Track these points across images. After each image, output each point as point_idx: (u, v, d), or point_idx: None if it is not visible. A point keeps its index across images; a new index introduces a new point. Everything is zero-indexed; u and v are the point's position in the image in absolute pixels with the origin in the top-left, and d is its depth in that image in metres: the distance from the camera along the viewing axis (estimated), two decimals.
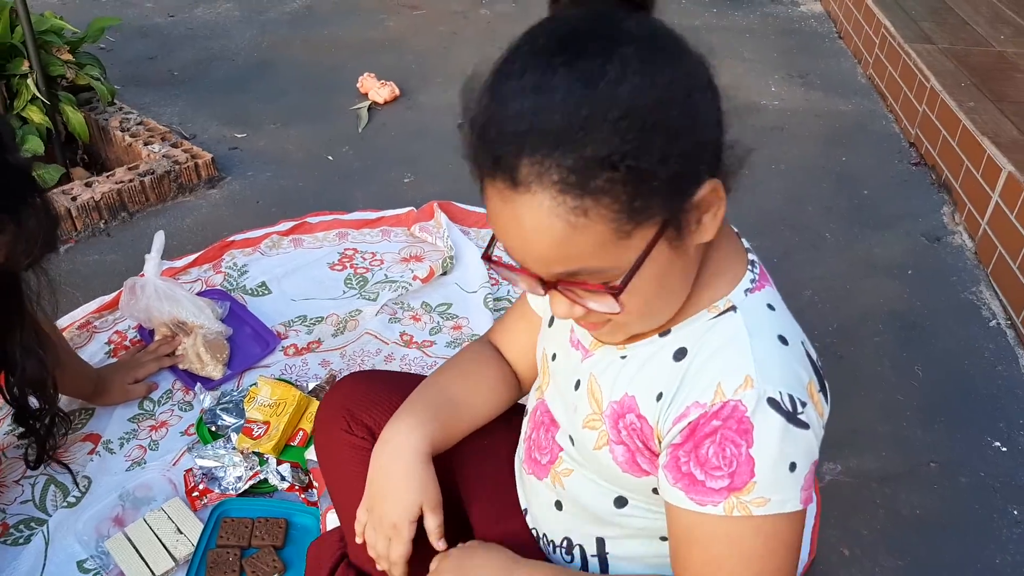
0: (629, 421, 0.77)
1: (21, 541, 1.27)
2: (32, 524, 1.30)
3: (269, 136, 2.51)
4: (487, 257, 0.74)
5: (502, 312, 1.77)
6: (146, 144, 2.25)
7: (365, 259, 1.95)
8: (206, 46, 3.15)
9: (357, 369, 1.61)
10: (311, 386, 1.52)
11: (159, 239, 1.63)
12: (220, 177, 2.26)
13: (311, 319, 1.75)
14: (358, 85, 2.78)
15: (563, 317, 0.71)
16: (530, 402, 0.98)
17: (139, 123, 2.37)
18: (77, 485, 1.36)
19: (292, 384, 1.51)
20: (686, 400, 0.71)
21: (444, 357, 1.64)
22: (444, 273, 1.88)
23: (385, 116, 2.68)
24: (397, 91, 2.76)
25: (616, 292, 0.65)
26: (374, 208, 2.13)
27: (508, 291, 1.85)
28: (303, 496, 1.32)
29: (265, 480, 1.33)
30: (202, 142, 2.36)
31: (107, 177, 2.09)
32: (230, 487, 1.34)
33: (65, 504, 1.32)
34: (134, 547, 1.24)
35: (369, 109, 2.67)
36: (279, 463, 1.34)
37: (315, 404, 1.48)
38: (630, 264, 0.64)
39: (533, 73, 0.61)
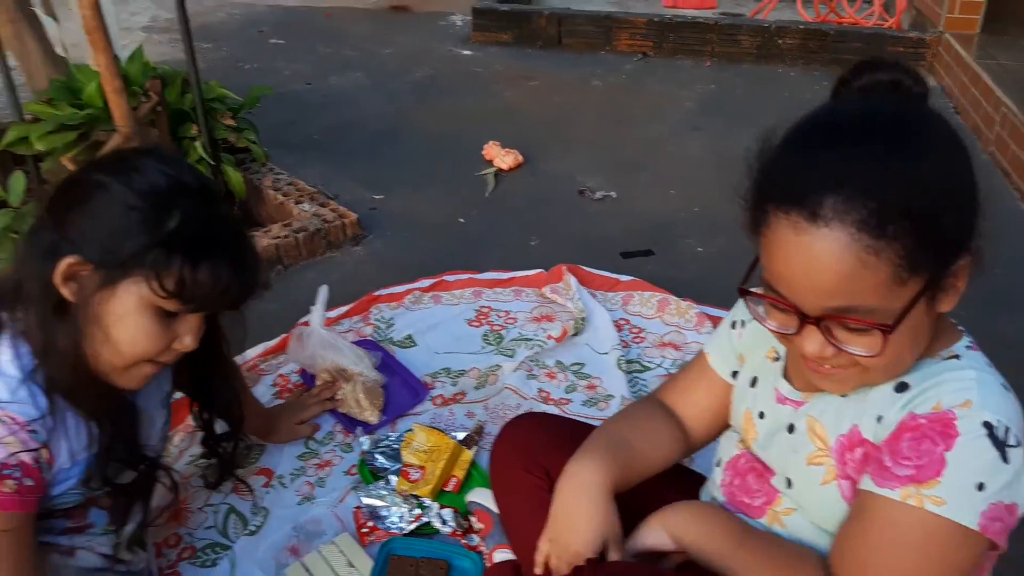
0: (857, 455, 0.84)
1: (208, 564, 1.40)
2: (217, 548, 1.43)
3: (403, 199, 2.70)
4: (743, 289, 0.83)
5: (636, 375, 1.86)
6: (296, 203, 2.46)
7: (500, 317, 2.08)
8: (340, 113, 3.40)
9: (501, 422, 1.71)
10: (460, 436, 1.63)
11: (323, 293, 1.79)
12: (363, 235, 2.44)
13: (454, 372, 1.87)
14: (483, 152, 2.96)
15: (814, 355, 0.78)
16: (725, 453, 1.06)
17: (289, 183, 2.58)
18: (256, 514, 1.49)
19: (444, 432, 1.62)
20: (903, 415, 0.78)
21: (582, 415, 1.73)
22: (575, 334, 1.98)
23: (510, 182, 2.84)
24: (520, 158, 2.93)
25: (888, 330, 0.73)
26: (504, 269, 2.26)
27: (639, 354, 1.94)
28: (463, 540, 1.41)
29: (428, 523, 1.44)
30: (344, 202, 2.56)
31: (264, 233, 2.29)
32: (394, 526, 1.44)
33: (247, 532, 1.46)
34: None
35: (495, 175, 2.84)
36: (442, 508, 1.45)
37: (466, 453, 1.59)
38: (897, 311, 0.73)
39: (842, 134, 0.73)
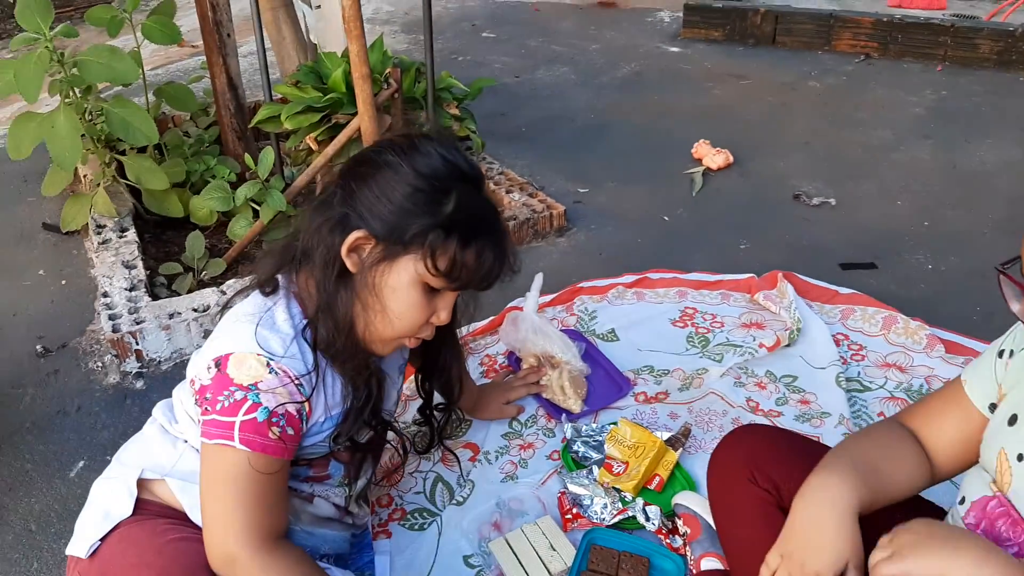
0: None
1: (417, 527, 1.47)
2: (425, 514, 1.50)
3: (608, 193, 2.69)
4: (1001, 270, 0.76)
5: (855, 394, 1.74)
6: (507, 192, 2.52)
7: (705, 319, 2.02)
8: (548, 106, 3.46)
9: (707, 426, 1.66)
10: (666, 436, 1.59)
11: (538, 280, 1.82)
12: (567, 227, 2.46)
13: (658, 370, 1.84)
14: (692, 151, 2.89)
15: None
16: (972, 491, 0.96)
17: (500, 172, 2.66)
18: (463, 486, 1.54)
19: (648, 430, 1.60)
20: None
21: (793, 430, 1.64)
22: (789, 344, 1.88)
23: (718, 182, 2.75)
24: (731, 158, 2.83)
25: None
26: (711, 270, 2.20)
27: (859, 372, 1.81)
28: (667, 540, 1.38)
29: (632, 517, 1.42)
30: (551, 194, 2.59)
31: None
32: (596, 516, 1.44)
33: (454, 502, 1.51)
34: (513, 553, 1.38)
35: (703, 174, 2.77)
36: (647, 505, 1.43)
37: (671, 454, 1.56)
38: None
39: None
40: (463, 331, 1.94)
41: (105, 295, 2.04)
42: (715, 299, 2.09)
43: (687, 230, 2.47)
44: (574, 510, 1.45)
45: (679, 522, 1.39)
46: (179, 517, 1.15)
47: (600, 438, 1.61)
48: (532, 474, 1.57)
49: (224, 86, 2.63)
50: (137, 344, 1.90)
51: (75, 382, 1.90)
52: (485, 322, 1.99)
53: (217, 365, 1.05)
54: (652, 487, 1.51)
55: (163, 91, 2.64)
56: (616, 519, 1.42)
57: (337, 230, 1.08)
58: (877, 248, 2.34)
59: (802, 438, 1.24)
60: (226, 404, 1.04)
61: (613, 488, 1.50)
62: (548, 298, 2.09)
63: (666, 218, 2.54)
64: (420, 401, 1.51)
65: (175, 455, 1.18)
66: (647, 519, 1.41)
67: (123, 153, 2.51)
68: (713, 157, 2.82)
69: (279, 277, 1.14)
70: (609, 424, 1.63)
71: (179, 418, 1.20)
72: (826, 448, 1.23)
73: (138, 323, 1.93)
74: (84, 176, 2.66)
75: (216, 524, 1.05)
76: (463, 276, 1.06)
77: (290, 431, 1.08)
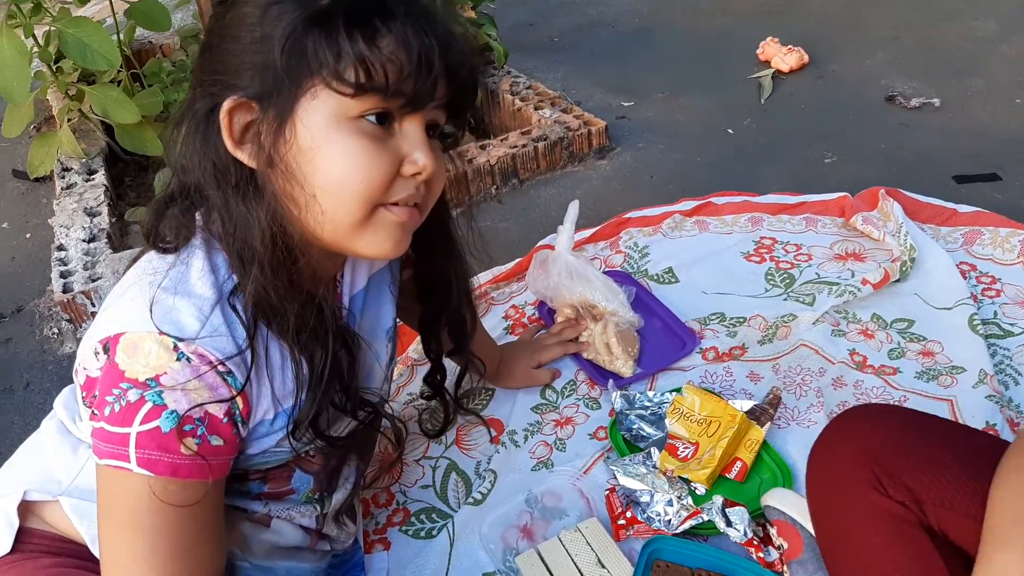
0: None
1: (423, 534, 1.13)
2: (434, 516, 1.15)
3: (658, 106, 2.26)
4: None
5: (993, 341, 1.32)
6: (536, 108, 2.11)
7: (788, 251, 1.60)
8: (584, 12, 2.99)
9: (799, 390, 1.27)
10: (747, 406, 1.21)
11: (573, 210, 1.43)
12: (610, 147, 2.05)
13: (731, 319, 1.44)
14: (758, 52, 2.43)
15: None
16: None
17: (528, 87, 2.24)
18: (482, 478, 1.19)
19: (723, 399, 1.22)
20: None
21: (917, 392, 1.24)
22: (899, 279, 1.47)
23: (792, 86, 2.29)
24: (805, 58, 2.36)
25: None
26: (790, 191, 1.77)
27: (994, 312, 1.39)
28: (758, 554, 1.01)
29: (709, 522, 1.05)
30: (589, 109, 2.17)
31: (501, 141, 1.97)
32: (659, 520, 1.08)
33: (470, 500, 1.16)
34: (549, 572, 1.03)
35: (772, 78, 2.31)
36: (728, 504, 1.05)
37: (756, 430, 1.18)
38: None
39: None
40: (480, 279, 1.59)
41: (60, 248, 1.71)
42: (799, 225, 1.68)
43: (757, 144, 2.04)
44: (628, 512, 1.09)
45: (772, 531, 1.02)
46: (76, 552, 0.83)
47: (660, 410, 1.24)
48: (572, 459, 1.21)
49: (209, 4, 2.25)
50: (93, 306, 1.58)
51: (26, 353, 1.60)
52: (509, 266, 1.62)
53: (105, 350, 0.71)
54: (732, 476, 1.14)
55: (134, 9, 2.28)
56: (686, 524, 1.06)
57: (209, 128, 0.72)
58: (998, 155, 1.87)
59: (945, 423, 0.86)
60: (116, 408, 0.70)
61: (679, 478, 1.13)
62: (587, 233, 1.70)
63: (730, 131, 2.10)
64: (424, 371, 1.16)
65: (75, 465, 0.85)
66: (728, 524, 1.04)
67: (92, 83, 2.17)
68: (784, 57, 2.35)
69: (198, 222, 0.78)
70: (671, 392, 1.26)
71: (84, 414, 0.86)
72: (983, 438, 0.86)
73: (93, 280, 1.60)
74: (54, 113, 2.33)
75: None
76: (394, 79, 0.69)
77: (216, 441, 0.73)
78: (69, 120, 2.12)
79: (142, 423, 0.70)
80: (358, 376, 0.87)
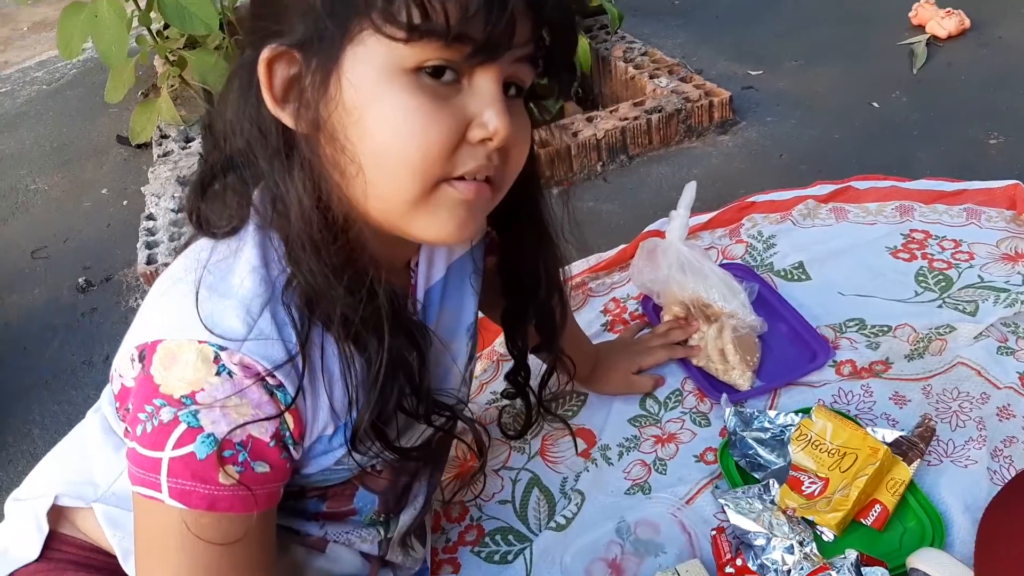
0: None
1: (497, 559, 0.99)
2: (511, 538, 1.02)
3: (791, 75, 2.01)
4: None
5: None
6: (651, 77, 1.91)
7: (944, 248, 1.36)
8: None
9: (956, 420, 1.05)
10: (891, 436, 1.00)
11: (690, 192, 1.24)
12: (734, 121, 1.83)
13: (872, 327, 1.22)
14: (911, 15, 2.13)
15: None
16: None
17: (643, 53, 2.04)
18: (568, 499, 1.05)
19: (861, 426, 1.02)
20: None
21: None
22: None
23: (950, 54, 1.99)
24: (967, 22, 2.05)
25: None
26: (946, 176, 1.51)
27: None
28: None
29: None
30: (711, 78, 1.95)
31: (610, 112, 1.79)
32: (775, 570, 0.90)
33: (552, 525, 1.02)
34: None
35: (927, 44, 2.01)
36: (866, 561, 0.86)
37: (902, 468, 0.97)
38: None
39: None
40: (576, 267, 1.43)
41: (149, 217, 1.67)
42: (958, 217, 1.42)
43: (908, 120, 1.76)
44: (739, 559, 0.91)
45: None
46: (105, 566, 0.74)
47: (782, 435, 1.05)
48: (673, 484, 1.04)
49: None
50: None
51: (111, 324, 1.57)
52: (611, 253, 1.45)
53: (141, 357, 0.61)
54: (869, 522, 0.94)
55: None
56: None
57: (251, 84, 0.60)
58: None
59: None
60: (148, 428, 0.60)
61: (803, 520, 0.94)
62: (704, 218, 1.50)
63: (875, 104, 1.84)
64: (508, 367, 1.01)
65: (116, 468, 0.76)
66: None
67: (194, 48, 2.14)
68: (941, 21, 2.04)
69: (255, 201, 0.66)
70: (796, 413, 1.07)
71: (118, 427, 0.77)
72: None
73: (178, 252, 1.54)
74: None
75: None
76: (453, 13, 0.54)
77: (261, 468, 0.62)
78: (171, 87, 2.09)
79: (175, 447, 0.59)
80: (430, 376, 0.74)
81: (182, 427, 0.59)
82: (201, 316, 0.59)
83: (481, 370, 1.28)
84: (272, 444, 0.62)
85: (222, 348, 0.58)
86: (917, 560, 0.83)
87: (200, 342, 0.58)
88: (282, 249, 0.63)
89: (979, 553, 0.71)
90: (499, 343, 1.30)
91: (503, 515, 1.05)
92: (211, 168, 0.67)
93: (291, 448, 0.64)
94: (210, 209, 0.66)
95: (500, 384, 1.24)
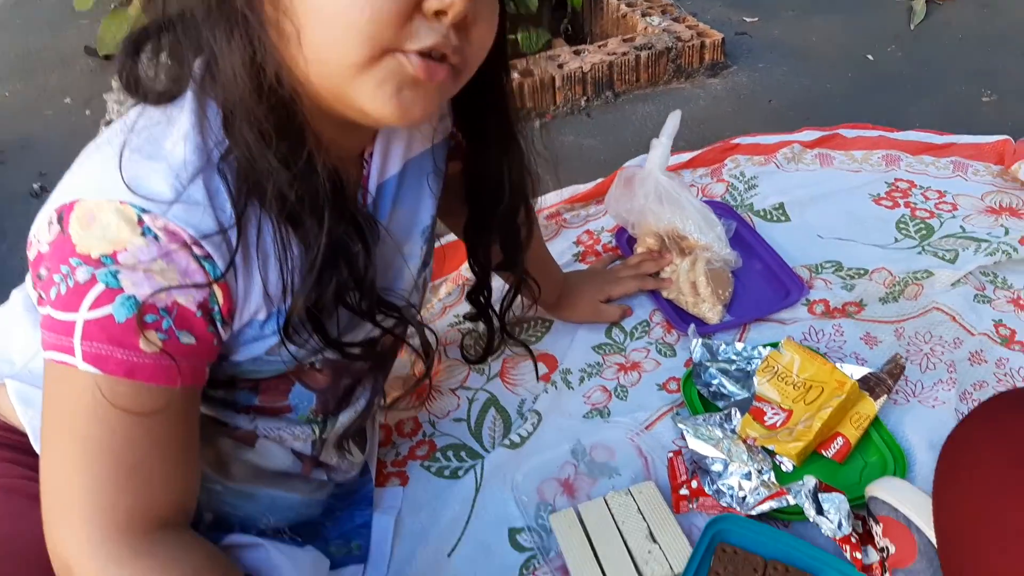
0: None
1: (447, 473, 0.96)
2: (463, 454, 0.98)
3: (786, 24, 1.96)
4: None
5: None
6: (643, 15, 1.86)
7: (928, 198, 1.33)
8: None
9: (927, 362, 1.03)
10: (858, 372, 0.98)
11: (673, 121, 1.19)
12: (724, 65, 1.78)
13: (849, 269, 1.19)
14: None
15: None
16: None
17: None
18: (524, 418, 1.01)
19: (830, 360, 0.99)
20: None
21: None
22: None
23: (949, 12, 1.95)
24: None
25: None
26: (936, 129, 1.48)
27: None
28: (855, 554, 0.80)
29: (794, 507, 0.84)
30: (705, 21, 1.89)
31: (599, 47, 1.73)
32: (731, 495, 0.87)
33: (506, 442, 0.98)
34: (588, 538, 0.85)
35: (927, 2, 1.96)
36: (823, 488, 0.83)
37: (868, 403, 0.94)
38: None
39: None
40: (551, 199, 1.38)
41: (108, 123, 1.60)
42: (944, 169, 1.39)
43: (902, 75, 1.73)
44: (694, 482, 0.88)
45: (876, 528, 0.80)
46: (17, 444, 0.70)
47: (748, 367, 1.02)
48: (633, 410, 1.01)
49: None
50: None
51: None
52: (588, 186, 1.40)
53: (59, 220, 0.55)
54: (830, 454, 0.92)
55: None
56: (764, 506, 0.85)
57: None
58: None
59: None
60: (62, 290, 0.55)
61: (762, 449, 0.92)
62: (686, 157, 1.46)
63: (870, 57, 1.80)
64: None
65: (36, 344, 0.71)
66: (820, 512, 0.82)
67: None
68: None
69: (195, 69, 0.60)
70: (765, 347, 1.04)
71: (33, 297, 0.72)
72: None
73: None
74: None
75: (51, 501, 0.58)
76: None
77: (187, 339, 0.58)
78: None
79: (92, 308, 0.55)
80: (377, 273, 0.69)
81: (99, 287, 0.55)
82: (124, 177, 0.54)
83: (446, 293, 1.24)
84: (199, 315, 0.58)
85: (145, 211, 0.54)
86: (877, 488, 0.80)
87: (122, 203, 0.54)
88: (220, 119, 0.58)
89: (938, 482, 0.68)
90: (465, 268, 1.26)
91: (456, 432, 1.01)
92: (146, 26, 0.62)
93: (219, 325, 0.59)
94: (143, 71, 0.61)
95: (464, 308, 1.20)
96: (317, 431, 0.76)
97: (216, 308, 0.59)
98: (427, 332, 0.78)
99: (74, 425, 0.57)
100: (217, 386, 0.69)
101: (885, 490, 0.79)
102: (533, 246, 1.00)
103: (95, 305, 0.55)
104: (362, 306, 0.67)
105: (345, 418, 0.78)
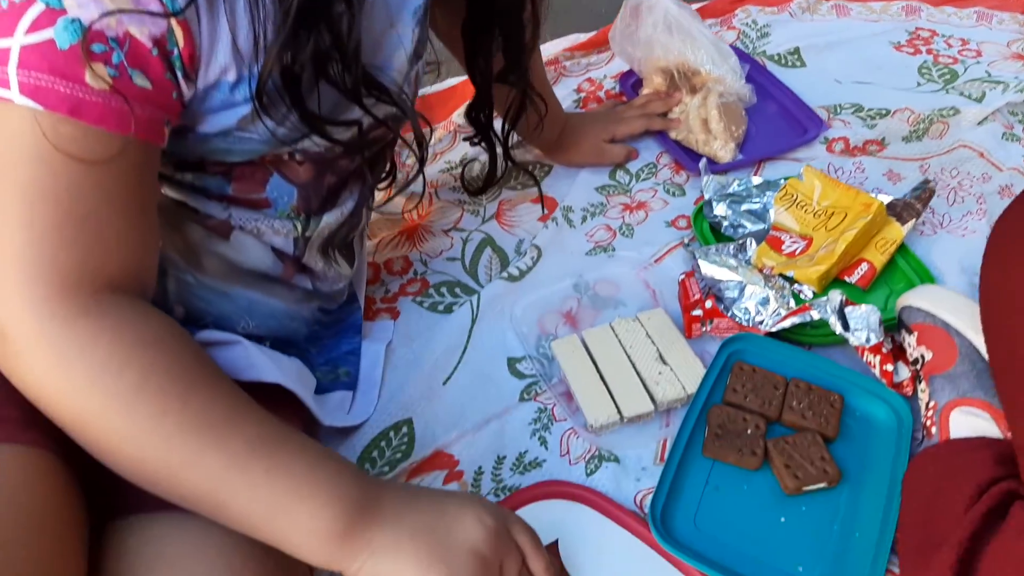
0: None
1: (441, 308, 0.89)
2: (457, 290, 0.91)
3: None
4: None
5: None
6: None
7: (950, 45, 1.24)
8: None
9: (954, 195, 0.96)
10: (884, 200, 0.91)
11: None
12: None
13: (870, 110, 1.11)
14: None
15: None
16: None
17: None
18: (522, 255, 0.94)
19: (854, 187, 0.92)
20: None
21: None
22: None
23: None
24: None
25: None
26: None
27: None
28: (884, 366, 0.73)
29: (820, 322, 0.77)
30: None
31: None
32: (746, 315, 0.81)
33: (504, 276, 0.91)
34: (594, 364, 0.79)
35: None
36: (847, 302, 0.77)
37: (895, 227, 0.88)
38: None
39: None
40: (554, 47, 1.29)
41: None
42: (968, 19, 1.30)
43: None
44: (708, 301, 0.82)
45: (909, 339, 0.74)
46: None
47: (765, 199, 0.94)
48: (639, 246, 0.94)
49: None
50: None
51: None
52: (591, 34, 1.31)
53: None
54: (853, 280, 0.86)
55: None
56: (786, 323, 0.78)
57: None
58: None
59: None
60: None
61: (780, 277, 0.85)
62: (695, 6, 1.36)
63: None
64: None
65: None
66: (846, 327, 0.76)
67: None
68: None
69: None
70: (780, 179, 0.96)
71: None
72: None
73: None
74: None
75: None
76: None
77: (141, 80, 0.49)
78: None
79: (29, 31, 0.46)
80: (359, 39, 0.60)
81: (38, 7, 0.46)
82: None
83: (436, 140, 1.15)
84: (155, 53, 0.49)
85: None
86: (911, 297, 0.74)
87: None
88: None
89: (988, 263, 0.61)
90: (457, 114, 1.17)
91: (450, 270, 0.94)
92: None
93: (179, 74, 0.51)
94: None
95: (457, 154, 1.12)
96: (299, 228, 0.68)
97: (176, 52, 0.50)
98: (422, 122, 0.70)
99: (12, 170, 0.48)
100: (185, 168, 0.61)
101: (920, 297, 0.73)
102: (534, 66, 0.91)
103: (33, 28, 0.46)
104: (346, 81, 0.59)
105: (331, 219, 0.70)
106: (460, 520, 0.51)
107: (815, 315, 0.76)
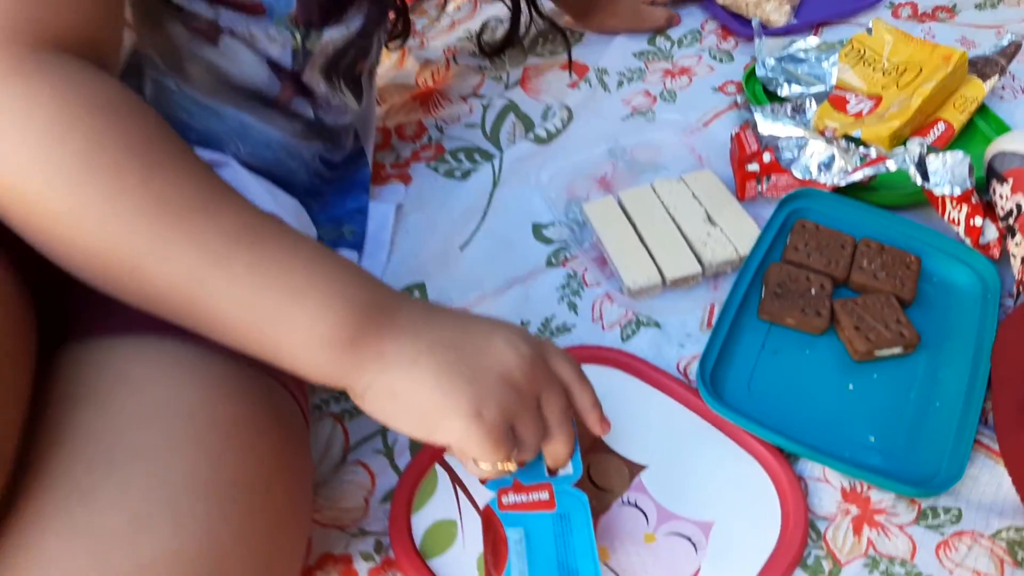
0: None
1: (456, 173, 0.79)
2: (477, 157, 0.81)
3: None
4: None
5: None
6: None
7: None
8: None
9: None
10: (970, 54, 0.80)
11: None
12: None
13: None
14: None
15: None
16: None
17: None
18: (548, 118, 0.84)
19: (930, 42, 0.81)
20: None
21: None
22: None
23: None
24: None
25: None
26: None
27: None
28: (972, 220, 0.63)
29: (895, 178, 0.67)
30: None
31: None
32: (809, 170, 0.71)
33: (531, 137, 0.81)
34: (632, 226, 0.69)
35: None
36: (928, 152, 0.66)
37: (976, 84, 0.77)
38: None
39: None
40: None
41: None
42: None
43: None
44: (767, 154, 0.71)
45: (1000, 188, 0.63)
46: None
47: (822, 60, 0.83)
48: (684, 110, 0.84)
49: None
50: None
51: None
52: None
53: None
54: (929, 142, 0.75)
55: None
56: (856, 176, 0.68)
57: None
58: None
59: None
60: None
61: (845, 139, 0.75)
62: None
63: None
64: None
65: None
66: (924, 177, 0.65)
67: None
68: None
69: None
70: (842, 40, 0.85)
71: None
72: None
73: None
74: None
75: None
76: None
77: None
78: None
79: None
80: None
81: None
82: None
83: (455, 8, 1.04)
84: None
85: None
86: (1005, 142, 0.64)
87: None
88: None
89: None
90: None
91: (469, 136, 0.84)
92: None
93: None
94: None
95: (476, 23, 1.01)
96: (299, 38, 0.59)
97: None
98: None
99: None
100: None
101: (1017, 140, 0.63)
102: None
103: None
104: None
105: (335, 34, 0.60)
106: (490, 341, 0.42)
107: (891, 166, 0.66)
